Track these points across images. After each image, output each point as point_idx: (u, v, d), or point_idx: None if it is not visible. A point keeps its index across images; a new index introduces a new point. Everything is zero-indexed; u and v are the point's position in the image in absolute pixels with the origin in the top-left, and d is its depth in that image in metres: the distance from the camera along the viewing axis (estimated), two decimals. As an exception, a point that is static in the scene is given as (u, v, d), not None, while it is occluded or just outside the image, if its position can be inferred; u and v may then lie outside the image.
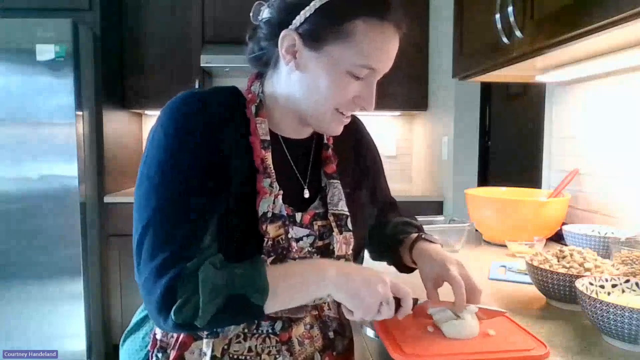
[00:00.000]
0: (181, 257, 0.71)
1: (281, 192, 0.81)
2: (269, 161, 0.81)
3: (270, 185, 0.80)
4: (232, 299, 0.71)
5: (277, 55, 0.81)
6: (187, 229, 0.73)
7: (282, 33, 0.77)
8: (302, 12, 0.75)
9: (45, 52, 2.42)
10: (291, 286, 0.75)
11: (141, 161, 0.80)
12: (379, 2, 0.76)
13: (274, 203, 0.80)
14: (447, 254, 0.90)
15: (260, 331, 0.84)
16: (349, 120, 0.85)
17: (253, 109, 0.83)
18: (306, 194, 0.88)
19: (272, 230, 0.79)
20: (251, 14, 0.84)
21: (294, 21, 0.77)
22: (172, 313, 0.69)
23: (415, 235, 0.98)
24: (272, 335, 0.84)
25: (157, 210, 0.74)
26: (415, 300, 0.82)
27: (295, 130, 0.88)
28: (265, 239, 0.78)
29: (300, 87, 0.80)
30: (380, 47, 0.77)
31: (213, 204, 0.76)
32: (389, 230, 1.03)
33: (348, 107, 0.82)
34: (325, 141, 0.93)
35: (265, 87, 0.86)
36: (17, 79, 2.45)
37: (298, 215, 0.85)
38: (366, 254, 1.08)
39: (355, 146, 1.00)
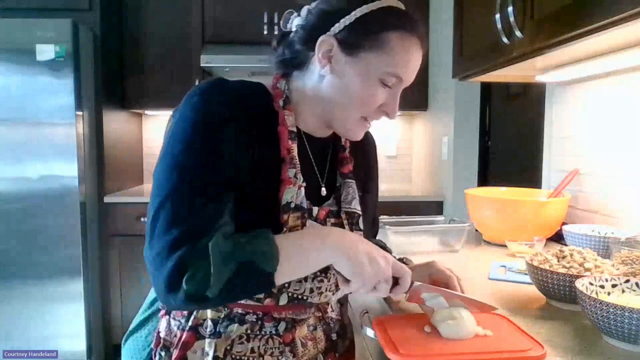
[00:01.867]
0: (195, 234, 0.70)
1: (304, 184, 0.83)
2: (295, 152, 0.84)
3: (295, 175, 0.82)
4: (242, 267, 0.69)
5: (310, 59, 0.85)
6: (204, 208, 0.73)
7: (321, 38, 0.81)
8: (341, 20, 0.80)
9: (45, 52, 2.41)
10: (297, 254, 0.75)
11: (165, 139, 0.79)
12: (410, 20, 0.83)
13: (297, 194, 0.81)
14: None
15: (263, 332, 0.84)
16: (370, 127, 0.89)
17: (281, 102, 0.86)
18: (323, 192, 0.90)
19: (291, 220, 0.80)
20: (281, 22, 0.89)
21: (332, 28, 0.81)
22: (183, 283, 0.68)
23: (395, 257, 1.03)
24: (275, 337, 0.84)
25: (177, 186, 0.73)
26: (411, 283, 0.82)
27: (317, 128, 0.91)
28: (285, 229, 0.79)
29: (332, 91, 0.83)
30: (409, 58, 0.82)
31: (231, 189, 0.77)
32: None
33: (373, 115, 0.86)
34: (343, 143, 0.95)
35: (291, 86, 0.88)
36: (17, 79, 2.45)
37: (315, 210, 0.87)
38: None
39: (365, 151, 1.03)
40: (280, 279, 0.73)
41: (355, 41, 0.80)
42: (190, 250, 0.69)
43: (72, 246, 2.53)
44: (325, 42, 0.81)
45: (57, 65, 2.43)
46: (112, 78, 2.86)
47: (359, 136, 0.89)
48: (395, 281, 0.79)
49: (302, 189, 0.83)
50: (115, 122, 2.91)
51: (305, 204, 0.83)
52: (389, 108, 0.85)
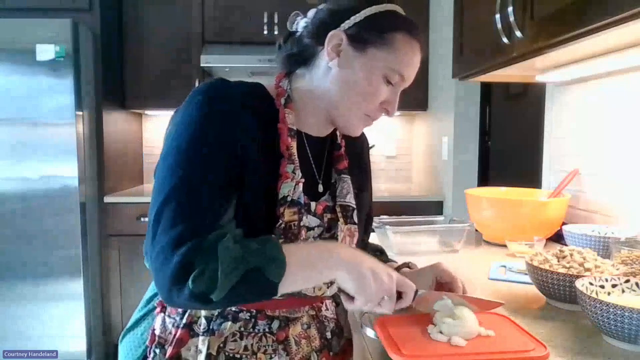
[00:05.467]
0: (201, 229, 0.71)
1: (302, 180, 0.85)
2: (294, 149, 0.85)
3: (293, 171, 0.84)
4: (249, 273, 0.70)
5: (318, 53, 0.88)
6: (210, 203, 0.74)
7: (331, 32, 0.85)
8: (352, 18, 0.85)
9: (45, 52, 2.41)
10: (303, 265, 0.75)
11: (166, 137, 0.81)
12: (413, 25, 0.88)
13: (294, 189, 0.83)
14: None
15: (256, 330, 0.85)
16: (372, 124, 0.91)
17: (282, 101, 0.88)
18: (320, 188, 0.92)
19: (287, 214, 0.82)
20: (288, 23, 0.93)
21: (342, 24, 0.85)
22: (189, 281, 0.68)
23: (397, 264, 1.04)
24: (268, 335, 0.85)
25: (182, 182, 0.74)
26: (416, 292, 0.83)
27: (316, 127, 0.93)
28: (280, 221, 0.80)
29: (338, 84, 0.86)
30: (410, 58, 0.87)
31: (235, 183, 0.78)
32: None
33: (375, 112, 0.88)
34: (338, 141, 0.98)
35: (294, 84, 0.91)
36: (17, 79, 2.45)
37: (312, 205, 0.88)
38: None
39: (359, 151, 1.05)
40: (282, 289, 0.73)
41: (364, 37, 0.84)
42: (197, 247, 0.69)
43: (72, 246, 2.53)
44: (336, 36, 0.85)
45: (57, 65, 2.43)
46: (112, 78, 2.86)
47: (358, 132, 0.92)
48: (399, 295, 0.80)
49: (300, 185, 0.85)
50: (115, 122, 2.91)
51: (302, 199, 0.85)
52: (389, 105, 0.88)
